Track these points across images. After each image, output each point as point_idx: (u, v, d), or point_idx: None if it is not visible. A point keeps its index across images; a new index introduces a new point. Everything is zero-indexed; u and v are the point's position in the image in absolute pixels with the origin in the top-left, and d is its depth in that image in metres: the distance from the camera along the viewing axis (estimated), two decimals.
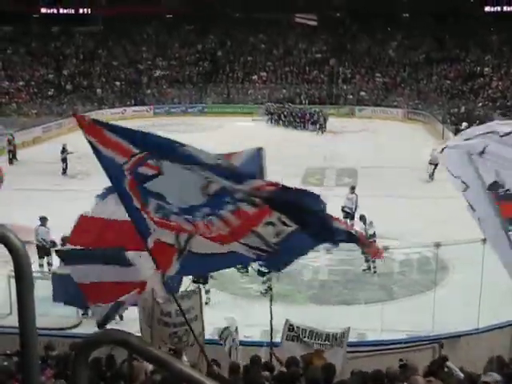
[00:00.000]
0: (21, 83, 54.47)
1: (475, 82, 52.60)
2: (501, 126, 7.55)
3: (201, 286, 15.01)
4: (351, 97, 56.11)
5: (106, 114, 52.33)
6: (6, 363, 8.03)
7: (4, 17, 56.85)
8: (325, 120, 45.19)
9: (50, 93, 54.51)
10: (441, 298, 13.71)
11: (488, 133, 7.42)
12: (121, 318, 13.34)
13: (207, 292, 15.12)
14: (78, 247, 8.05)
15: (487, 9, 60.04)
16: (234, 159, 7.59)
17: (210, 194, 6.54)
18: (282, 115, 48.80)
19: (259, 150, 7.75)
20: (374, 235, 17.21)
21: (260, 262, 9.16)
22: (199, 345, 8.70)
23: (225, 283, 16.34)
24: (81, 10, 65.00)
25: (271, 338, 9.82)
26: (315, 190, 7.65)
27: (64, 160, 30.79)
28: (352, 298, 16.07)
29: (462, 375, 8.05)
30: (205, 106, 56.56)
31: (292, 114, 48.15)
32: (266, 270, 16.20)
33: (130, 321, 9.12)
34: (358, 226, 18.94)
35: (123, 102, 55.80)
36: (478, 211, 7.63)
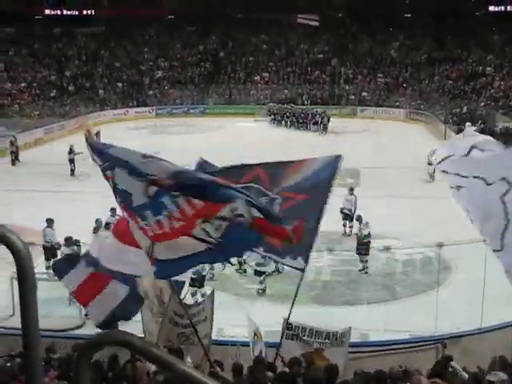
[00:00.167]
0: (23, 84, 54.57)
1: (477, 82, 52.58)
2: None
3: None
4: (353, 97, 56.12)
5: (109, 115, 52.48)
6: (8, 364, 8.04)
7: (6, 18, 56.89)
8: (328, 120, 45.16)
9: (52, 94, 54.60)
10: (444, 298, 13.71)
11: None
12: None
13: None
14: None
15: (491, 8, 60.00)
16: (308, 165, 7.79)
17: (149, 195, 6.76)
18: (285, 116, 48.80)
19: (337, 158, 7.98)
20: (368, 235, 17.21)
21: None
22: (202, 347, 8.72)
23: (226, 284, 16.35)
24: (84, 12, 65.06)
25: (282, 337, 9.82)
26: None
27: (72, 161, 30.83)
28: (355, 299, 16.05)
29: (466, 375, 8.04)
30: (206, 106, 56.60)
31: (294, 115, 48.12)
32: (263, 270, 16.26)
33: (134, 322, 9.10)
34: (355, 227, 19.01)
35: (125, 103, 55.87)
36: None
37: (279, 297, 15.55)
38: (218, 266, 16.87)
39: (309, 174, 7.89)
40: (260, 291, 16.17)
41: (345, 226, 20.65)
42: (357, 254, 17.37)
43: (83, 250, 16.22)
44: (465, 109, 47.42)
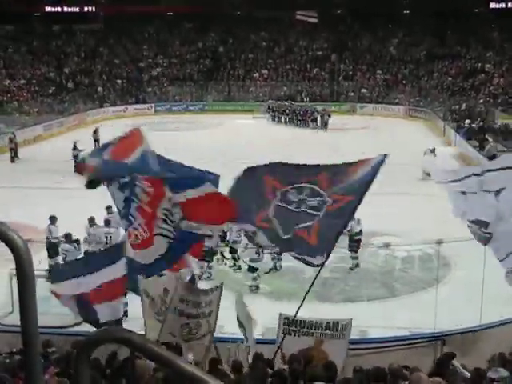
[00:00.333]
0: (22, 81, 54.53)
1: (476, 79, 52.59)
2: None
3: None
4: (352, 94, 56.12)
5: (108, 113, 52.45)
6: (7, 360, 8.04)
7: (5, 15, 56.85)
8: (329, 117, 45.15)
9: (51, 91, 54.54)
10: (443, 295, 13.70)
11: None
12: (125, 315, 13.39)
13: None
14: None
15: (492, 5, 59.95)
16: (364, 166, 8.20)
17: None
18: (284, 113, 48.77)
19: (384, 156, 8.35)
20: (359, 233, 17.19)
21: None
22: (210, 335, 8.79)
23: (226, 280, 16.33)
24: (86, 9, 65.08)
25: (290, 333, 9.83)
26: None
27: (76, 157, 30.88)
28: (354, 296, 16.06)
29: (466, 373, 8.03)
30: (205, 103, 56.58)
31: (295, 112, 48.10)
32: (257, 266, 16.27)
33: (135, 319, 9.12)
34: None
35: (124, 100, 55.88)
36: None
37: (278, 294, 15.56)
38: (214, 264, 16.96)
39: (361, 176, 8.33)
40: (253, 288, 16.15)
41: None
42: (348, 250, 17.37)
43: (82, 249, 16.32)
44: (464, 105, 47.39)
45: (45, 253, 16.65)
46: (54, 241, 16.77)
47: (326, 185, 8.37)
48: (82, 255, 15.78)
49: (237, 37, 63.13)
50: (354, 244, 17.26)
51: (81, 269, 8.89)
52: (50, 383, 6.96)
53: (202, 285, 11.66)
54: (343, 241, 18.96)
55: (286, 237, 8.41)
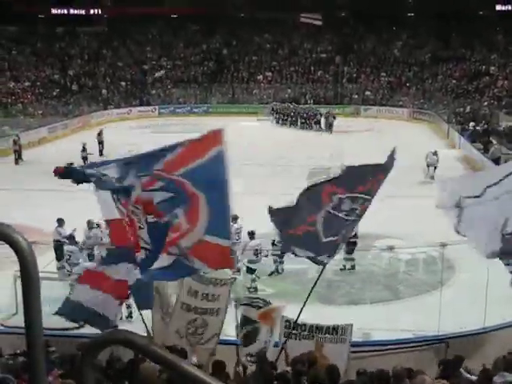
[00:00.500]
0: (26, 84, 54.61)
1: (481, 81, 52.51)
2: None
3: None
4: (356, 96, 56.09)
5: (112, 115, 52.52)
6: (11, 362, 8.04)
7: (9, 17, 56.96)
8: (334, 119, 45.14)
9: (55, 93, 54.61)
10: (447, 298, 13.69)
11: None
12: (130, 316, 13.41)
13: None
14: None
15: (498, 7, 59.82)
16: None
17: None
18: (289, 116, 48.74)
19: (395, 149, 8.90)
20: (355, 236, 17.15)
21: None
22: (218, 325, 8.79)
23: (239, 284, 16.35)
24: (92, 11, 65.25)
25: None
26: None
27: (85, 159, 31.08)
28: (358, 298, 16.04)
29: (471, 377, 8.00)
30: (210, 106, 56.58)
31: (299, 114, 48.09)
32: (255, 268, 16.28)
33: (138, 322, 9.12)
34: None
35: (128, 103, 55.92)
36: None
37: (281, 296, 15.56)
38: None
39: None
40: (252, 289, 16.14)
41: None
42: (346, 253, 17.36)
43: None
44: (468, 108, 47.32)
45: (49, 255, 16.67)
46: (63, 240, 16.81)
47: (375, 189, 8.56)
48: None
49: (241, 39, 63.17)
50: (351, 247, 17.24)
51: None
52: None
53: None
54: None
55: (325, 240, 8.45)
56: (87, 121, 49.13)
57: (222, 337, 9.97)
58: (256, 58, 61.00)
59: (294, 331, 9.10)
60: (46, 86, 55.39)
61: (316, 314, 10.68)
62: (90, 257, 15.91)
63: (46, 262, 16.13)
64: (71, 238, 16.13)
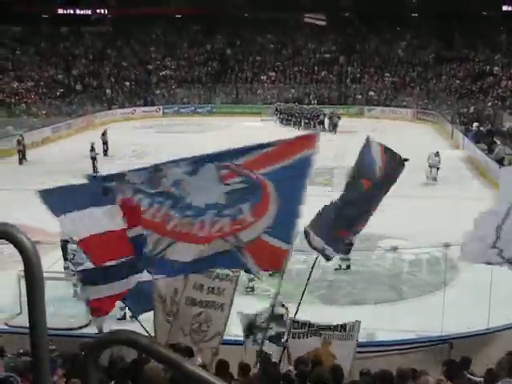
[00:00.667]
0: (30, 84, 54.67)
1: (484, 82, 52.46)
2: None
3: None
4: (360, 97, 56.06)
5: (116, 115, 52.57)
6: (15, 361, 8.05)
7: (13, 17, 57.03)
8: (339, 119, 45.12)
9: (59, 93, 54.69)
10: (450, 298, 13.68)
11: None
12: (124, 317, 13.41)
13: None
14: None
15: (505, 8, 59.67)
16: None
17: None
18: (293, 116, 48.72)
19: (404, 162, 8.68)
20: None
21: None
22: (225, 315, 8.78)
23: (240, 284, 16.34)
24: (98, 11, 65.41)
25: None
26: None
27: (94, 159, 31.15)
28: (361, 298, 16.03)
29: (476, 379, 7.97)
30: (213, 106, 56.62)
31: (303, 115, 48.07)
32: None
33: (142, 321, 9.11)
34: None
35: (132, 102, 56.00)
36: None
37: (284, 296, 15.52)
38: None
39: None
40: (249, 289, 16.12)
41: None
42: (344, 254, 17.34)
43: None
44: (472, 108, 47.30)
45: (53, 255, 16.67)
46: (68, 239, 16.76)
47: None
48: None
49: (244, 39, 63.19)
50: (348, 247, 17.21)
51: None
52: None
53: None
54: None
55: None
56: (91, 121, 49.19)
57: (226, 337, 9.98)
58: (260, 58, 61.03)
59: (301, 330, 9.09)
60: (50, 85, 55.46)
61: (318, 315, 10.68)
62: None
63: (50, 261, 16.15)
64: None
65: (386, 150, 8.69)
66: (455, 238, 14.19)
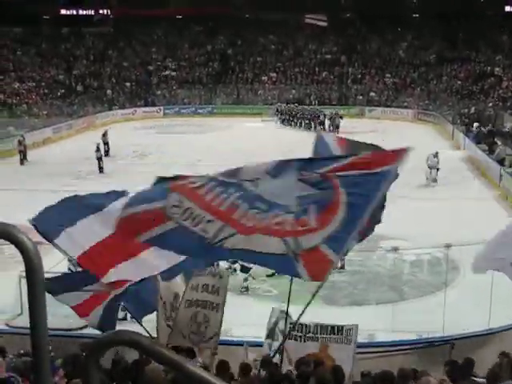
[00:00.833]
0: (31, 84, 54.70)
1: (486, 82, 52.44)
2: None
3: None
4: (361, 97, 56.02)
5: (117, 115, 52.58)
6: (15, 361, 8.05)
7: (14, 18, 57.03)
8: (341, 118, 45.11)
9: (60, 94, 54.72)
10: (452, 299, 13.68)
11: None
12: (125, 318, 13.38)
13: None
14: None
15: (508, 9, 59.62)
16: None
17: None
18: (295, 116, 48.70)
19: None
20: None
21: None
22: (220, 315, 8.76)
23: (231, 283, 16.32)
24: (100, 11, 65.52)
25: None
26: None
27: (100, 159, 31.22)
28: (362, 299, 16.03)
29: (478, 380, 7.96)
30: (214, 106, 56.61)
31: (304, 115, 48.07)
32: (250, 266, 16.24)
33: (144, 321, 9.11)
34: None
35: (133, 103, 56.00)
36: None
37: (284, 296, 15.52)
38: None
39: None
40: (243, 289, 16.11)
41: None
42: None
43: None
44: (473, 109, 47.27)
45: (54, 256, 16.64)
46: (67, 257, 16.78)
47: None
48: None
49: (245, 40, 63.18)
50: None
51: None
52: None
53: None
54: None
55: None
56: (92, 121, 49.19)
57: (227, 337, 10.00)
58: (261, 59, 61.01)
59: (298, 333, 9.07)
60: (51, 86, 55.49)
61: (319, 315, 10.66)
62: None
63: (51, 262, 16.13)
64: None
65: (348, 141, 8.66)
66: (456, 239, 14.23)
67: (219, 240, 6.92)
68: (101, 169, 31.03)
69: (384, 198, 7.96)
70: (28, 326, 1.89)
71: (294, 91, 57.13)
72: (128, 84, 58.26)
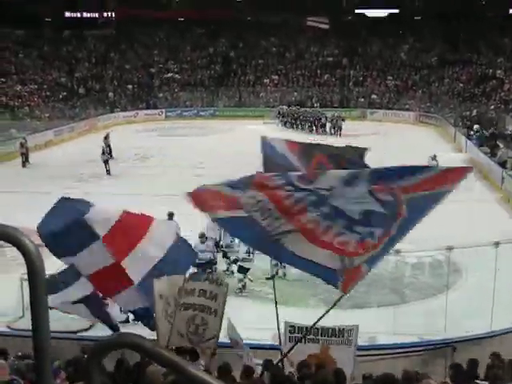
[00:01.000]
0: (33, 87, 54.72)
1: (487, 85, 52.42)
2: None
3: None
4: (362, 100, 56.02)
5: (118, 118, 52.60)
6: (17, 363, 8.05)
7: (16, 20, 57.11)
8: (343, 121, 45.13)
9: (62, 96, 54.73)
10: (453, 302, 13.65)
11: None
12: (127, 320, 13.36)
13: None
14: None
15: (511, 11, 59.61)
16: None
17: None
18: (295, 119, 48.69)
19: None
20: None
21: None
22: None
23: (234, 287, 16.31)
24: (104, 14, 65.77)
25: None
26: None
27: (106, 162, 31.25)
28: (364, 302, 15.99)
29: (480, 382, 7.95)
30: (216, 109, 56.60)
31: (305, 118, 48.06)
32: (248, 267, 16.21)
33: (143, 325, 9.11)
34: None
35: (135, 106, 56.01)
36: None
37: (285, 299, 15.52)
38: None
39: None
40: (237, 290, 16.08)
41: None
42: None
43: None
44: (475, 112, 47.25)
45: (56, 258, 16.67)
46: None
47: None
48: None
49: (247, 42, 63.20)
50: None
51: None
52: None
53: None
54: None
55: None
56: (94, 124, 49.19)
57: (228, 340, 9.97)
58: (263, 62, 61.01)
59: (297, 335, 9.06)
60: (53, 89, 55.51)
61: (323, 319, 10.66)
62: None
63: (52, 265, 16.14)
64: None
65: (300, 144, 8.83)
66: (458, 241, 14.20)
67: (277, 233, 7.04)
68: (108, 171, 31.10)
69: None
70: (30, 328, 1.89)
71: (295, 94, 57.14)
72: (130, 86, 58.27)
